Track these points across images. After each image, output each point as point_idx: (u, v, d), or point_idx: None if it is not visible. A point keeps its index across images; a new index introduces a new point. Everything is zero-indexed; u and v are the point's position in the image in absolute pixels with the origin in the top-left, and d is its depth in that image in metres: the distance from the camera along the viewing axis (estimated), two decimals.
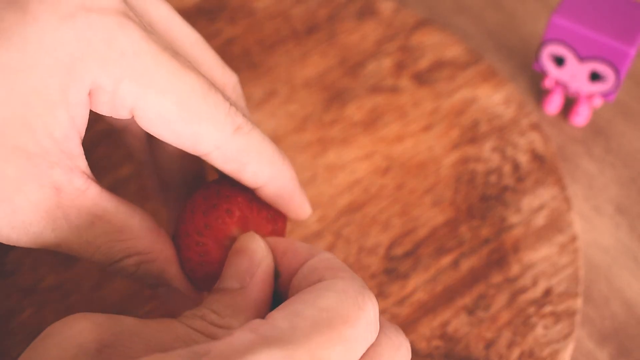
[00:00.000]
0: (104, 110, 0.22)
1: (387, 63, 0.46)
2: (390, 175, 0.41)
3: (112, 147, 0.41)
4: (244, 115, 0.25)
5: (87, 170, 0.23)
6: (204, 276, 0.26)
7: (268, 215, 0.27)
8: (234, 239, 0.26)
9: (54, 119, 0.21)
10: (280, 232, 0.28)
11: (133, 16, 0.21)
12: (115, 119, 0.27)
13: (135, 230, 0.24)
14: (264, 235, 0.26)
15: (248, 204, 0.26)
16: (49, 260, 0.37)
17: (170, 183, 0.30)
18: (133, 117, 0.22)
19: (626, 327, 0.37)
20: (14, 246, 0.38)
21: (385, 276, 0.37)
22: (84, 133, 0.22)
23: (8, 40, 0.19)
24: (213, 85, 0.23)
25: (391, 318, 0.35)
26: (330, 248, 0.38)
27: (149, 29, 0.22)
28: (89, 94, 0.21)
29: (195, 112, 0.22)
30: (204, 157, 0.24)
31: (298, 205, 0.27)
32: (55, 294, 0.36)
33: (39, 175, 0.21)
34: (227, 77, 0.28)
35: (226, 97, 0.24)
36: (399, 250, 0.38)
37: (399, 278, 0.37)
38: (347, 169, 0.41)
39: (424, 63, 0.46)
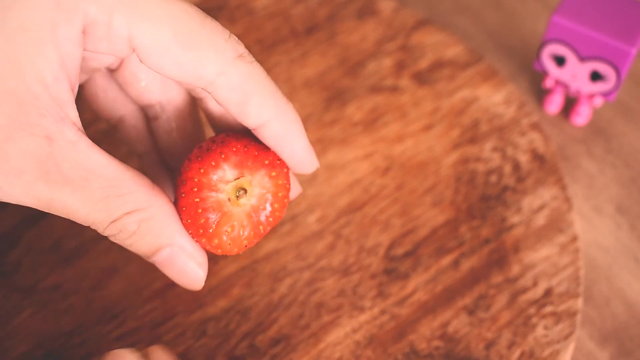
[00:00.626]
0: (102, 47, 0.22)
1: (387, 63, 0.46)
2: (390, 175, 0.41)
3: (112, 147, 0.41)
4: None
5: (78, 121, 0.22)
6: (205, 224, 0.25)
7: (266, 161, 0.25)
8: (228, 182, 0.25)
9: (43, 57, 0.20)
10: (281, 180, 0.26)
11: None
12: (111, 114, 0.27)
13: (131, 184, 0.23)
14: (261, 184, 0.25)
15: (244, 149, 0.25)
16: (49, 261, 0.37)
17: (176, 169, 0.30)
18: (134, 51, 0.22)
19: (627, 327, 0.37)
20: (14, 247, 0.38)
21: (386, 276, 0.37)
22: (76, 82, 0.22)
23: None
24: (209, 16, 0.23)
25: (391, 318, 0.35)
26: (330, 248, 0.38)
27: None
28: (83, 31, 0.21)
29: (194, 38, 0.22)
30: (209, 90, 0.23)
31: (303, 151, 0.25)
32: (55, 294, 0.36)
33: (29, 124, 0.20)
34: (231, 45, 0.25)
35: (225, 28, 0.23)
36: (399, 250, 0.38)
37: (399, 278, 0.37)
38: (347, 169, 0.41)
39: (424, 63, 0.46)
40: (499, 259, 0.38)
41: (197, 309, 0.36)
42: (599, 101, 0.43)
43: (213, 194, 0.25)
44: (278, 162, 0.26)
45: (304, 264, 0.37)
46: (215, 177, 0.25)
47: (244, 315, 0.36)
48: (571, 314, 0.36)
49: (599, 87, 0.42)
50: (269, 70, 0.45)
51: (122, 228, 0.23)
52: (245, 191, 0.25)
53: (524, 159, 0.41)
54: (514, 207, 0.39)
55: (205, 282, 0.28)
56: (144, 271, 0.37)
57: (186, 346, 0.34)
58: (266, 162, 0.25)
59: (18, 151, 0.20)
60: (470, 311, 0.36)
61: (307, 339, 0.35)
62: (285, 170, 0.26)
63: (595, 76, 0.41)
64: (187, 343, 0.35)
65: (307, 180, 0.40)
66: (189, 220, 0.25)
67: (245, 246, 0.27)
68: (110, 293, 0.36)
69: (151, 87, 0.28)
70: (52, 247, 0.37)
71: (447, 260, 0.38)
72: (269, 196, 0.26)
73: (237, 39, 0.23)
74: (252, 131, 0.26)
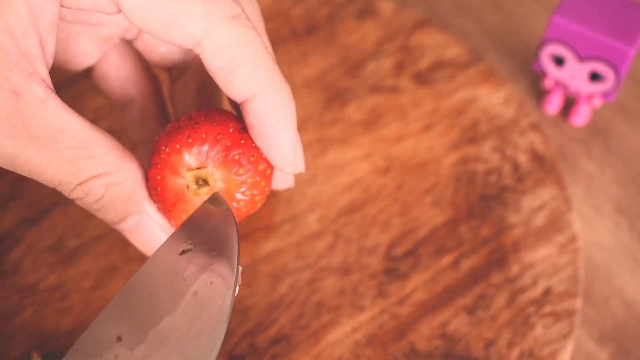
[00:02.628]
0: (84, 3, 0.20)
1: (387, 63, 0.46)
2: (390, 175, 0.41)
3: None
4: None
5: (48, 79, 0.21)
6: (163, 203, 0.24)
7: (236, 156, 0.23)
8: (188, 169, 0.23)
9: (11, 10, 0.19)
10: (252, 179, 0.24)
11: None
12: (122, 93, 0.26)
13: (101, 147, 0.22)
14: (227, 179, 0.24)
15: (215, 136, 0.23)
16: (50, 260, 0.37)
17: None
18: (118, 7, 0.21)
19: (626, 326, 0.37)
20: (14, 246, 0.38)
21: (386, 276, 0.37)
22: (50, 40, 0.21)
23: None
24: None
25: (391, 318, 0.36)
26: (330, 248, 0.38)
27: None
28: None
29: None
30: (195, 50, 0.21)
31: (286, 142, 0.23)
32: (56, 294, 0.36)
33: None
34: None
35: None
36: (399, 250, 0.38)
37: (399, 278, 0.37)
38: (347, 169, 0.41)
39: (424, 63, 0.46)
40: (499, 259, 0.38)
41: None
42: (598, 101, 0.43)
43: (174, 177, 0.23)
44: (252, 158, 0.24)
45: (304, 264, 0.37)
46: (176, 161, 0.23)
47: (244, 315, 0.36)
48: (570, 314, 0.36)
49: (598, 87, 0.42)
50: None
51: (88, 191, 0.22)
52: (207, 182, 0.24)
53: (523, 159, 0.42)
54: (514, 207, 0.40)
55: None
56: None
57: None
58: (236, 157, 0.23)
59: None
60: (470, 311, 0.36)
61: (307, 339, 0.35)
62: (261, 167, 0.24)
63: (595, 76, 0.41)
64: None
65: (307, 180, 0.40)
66: (151, 193, 0.24)
67: None
68: (110, 293, 0.36)
69: (172, 49, 0.26)
70: (52, 247, 0.38)
71: (446, 260, 0.38)
72: (238, 194, 0.24)
73: None
74: (239, 108, 0.23)
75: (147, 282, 0.22)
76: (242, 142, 0.23)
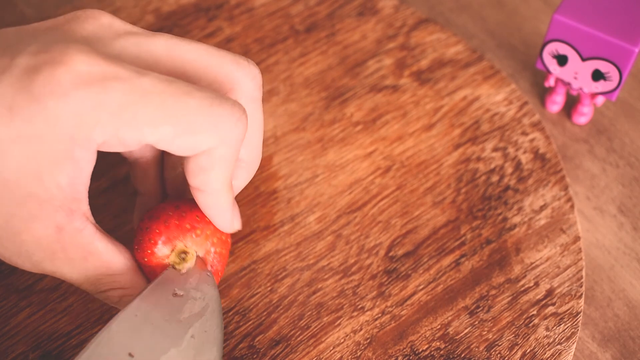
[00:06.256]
0: (119, 150, 0.27)
1: (387, 62, 0.46)
2: (391, 175, 0.41)
3: None
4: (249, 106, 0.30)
5: (88, 212, 0.27)
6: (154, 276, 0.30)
7: (187, 225, 0.30)
8: (168, 256, 0.30)
9: (60, 171, 0.25)
10: (208, 231, 0.30)
11: (121, 73, 0.25)
12: (129, 155, 0.32)
13: (121, 267, 0.29)
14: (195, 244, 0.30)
15: (164, 225, 0.30)
16: None
17: (173, 196, 0.35)
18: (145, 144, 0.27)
19: (629, 328, 0.37)
20: None
21: (386, 277, 0.37)
22: (89, 180, 0.27)
23: (19, 116, 0.24)
24: (214, 95, 0.27)
25: (392, 319, 0.35)
26: (330, 248, 0.38)
27: (142, 72, 0.26)
28: (97, 147, 0.26)
29: (192, 127, 0.26)
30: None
31: (227, 216, 0.30)
32: (54, 295, 0.36)
33: (44, 218, 0.26)
34: (243, 70, 0.30)
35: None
36: (399, 251, 0.38)
37: (400, 279, 0.37)
38: (347, 169, 0.41)
39: (425, 62, 0.46)
40: (500, 260, 0.37)
41: None
42: (601, 100, 0.42)
43: (160, 261, 0.30)
44: (198, 217, 0.30)
45: (304, 264, 0.37)
46: (155, 257, 0.30)
47: (244, 315, 0.35)
48: (573, 315, 0.35)
49: (601, 86, 0.41)
50: (268, 69, 0.45)
51: (106, 297, 0.30)
52: (186, 253, 0.30)
53: (525, 158, 0.41)
54: (516, 207, 0.39)
55: None
56: None
57: None
58: (187, 226, 0.30)
59: (32, 239, 0.26)
60: (471, 312, 0.36)
61: (307, 340, 0.35)
62: (207, 220, 0.31)
63: (597, 75, 0.41)
64: None
65: (307, 180, 0.40)
66: (140, 264, 0.31)
67: None
68: None
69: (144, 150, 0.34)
70: None
71: (447, 260, 0.37)
72: (209, 247, 0.31)
73: (245, 119, 0.27)
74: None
75: (147, 312, 0.27)
76: (197, 217, 0.30)
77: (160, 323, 0.27)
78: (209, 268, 0.31)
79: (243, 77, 0.30)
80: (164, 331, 0.27)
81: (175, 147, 0.26)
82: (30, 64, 0.25)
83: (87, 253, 0.27)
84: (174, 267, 0.30)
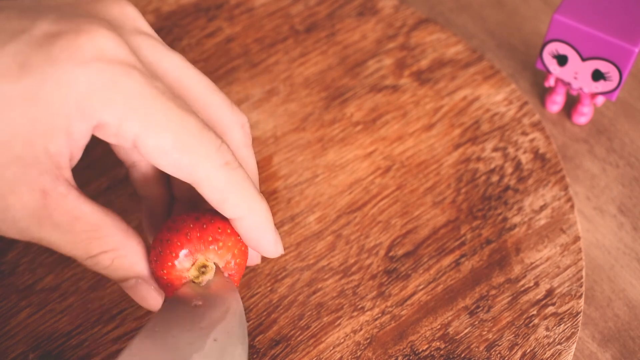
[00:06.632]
0: (110, 140, 0.26)
1: (387, 62, 0.46)
2: (391, 175, 0.41)
3: (110, 148, 0.40)
4: (238, 153, 0.31)
5: (71, 179, 0.27)
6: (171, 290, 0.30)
7: (210, 237, 0.29)
8: (189, 269, 0.29)
9: (52, 139, 0.24)
10: (230, 242, 0.30)
11: (139, 66, 0.25)
12: (126, 159, 0.32)
13: (109, 229, 0.28)
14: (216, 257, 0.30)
15: (186, 237, 0.29)
16: (47, 261, 0.37)
17: (181, 199, 0.34)
18: (136, 147, 0.26)
19: (629, 328, 0.37)
20: (12, 247, 0.37)
21: (386, 277, 0.37)
22: (78, 155, 0.26)
23: (30, 74, 0.23)
24: (206, 125, 0.27)
25: (392, 319, 0.35)
26: (330, 248, 0.38)
27: (153, 76, 0.26)
28: (95, 127, 0.25)
29: (189, 146, 0.26)
30: (195, 186, 0.27)
31: (270, 242, 0.30)
32: (54, 295, 0.36)
33: (30, 181, 0.25)
34: (235, 117, 0.31)
35: (219, 136, 0.27)
36: (399, 251, 0.38)
37: (400, 279, 0.37)
38: (347, 169, 0.41)
39: (424, 62, 0.46)
40: (500, 260, 0.37)
41: None
42: (601, 100, 0.42)
43: (179, 274, 0.29)
44: (219, 229, 0.29)
45: (304, 264, 0.37)
46: (175, 271, 0.29)
47: None
48: (573, 315, 0.35)
49: (601, 86, 0.41)
50: (268, 69, 0.45)
51: (97, 262, 0.28)
52: (206, 267, 0.29)
53: (525, 158, 0.41)
54: (516, 207, 0.39)
55: None
56: None
57: None
58: (210, 238, 0.29)
59: (18, 203, 0.25)
60: (471, 312, 0.35)
61: (307, 340, 0.35)
62: (229, 232, 0.30)
63: (597, 75, 0.41)
64: None
65: (307, 180, 0.40)
66: (158, 281, 0.30)
67: None
68: (108, 293, 0.36)
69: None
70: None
71: (447, 260, 0.37)
72: (230, 259, 0.30)
73: (227, 147, 0.27)
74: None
75: (168, 326, 0.27)
76: (219, 229, 0.30)
77: (182, 333, 0.27)
78: (226, 275, 0.30)
79: (234, 125, 0.31)
80: (185, 340, 0.27)
81: (166, 160, 0.26)
82: (52, 29, 0.24)
83: (73, 217, 0.27)
84: (192, 282, 0.29)
